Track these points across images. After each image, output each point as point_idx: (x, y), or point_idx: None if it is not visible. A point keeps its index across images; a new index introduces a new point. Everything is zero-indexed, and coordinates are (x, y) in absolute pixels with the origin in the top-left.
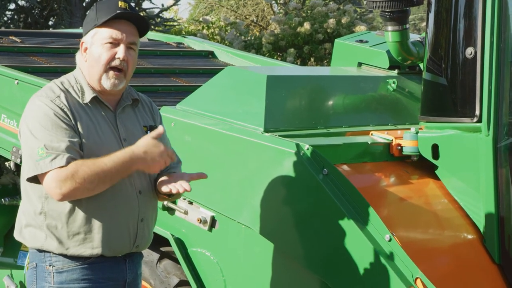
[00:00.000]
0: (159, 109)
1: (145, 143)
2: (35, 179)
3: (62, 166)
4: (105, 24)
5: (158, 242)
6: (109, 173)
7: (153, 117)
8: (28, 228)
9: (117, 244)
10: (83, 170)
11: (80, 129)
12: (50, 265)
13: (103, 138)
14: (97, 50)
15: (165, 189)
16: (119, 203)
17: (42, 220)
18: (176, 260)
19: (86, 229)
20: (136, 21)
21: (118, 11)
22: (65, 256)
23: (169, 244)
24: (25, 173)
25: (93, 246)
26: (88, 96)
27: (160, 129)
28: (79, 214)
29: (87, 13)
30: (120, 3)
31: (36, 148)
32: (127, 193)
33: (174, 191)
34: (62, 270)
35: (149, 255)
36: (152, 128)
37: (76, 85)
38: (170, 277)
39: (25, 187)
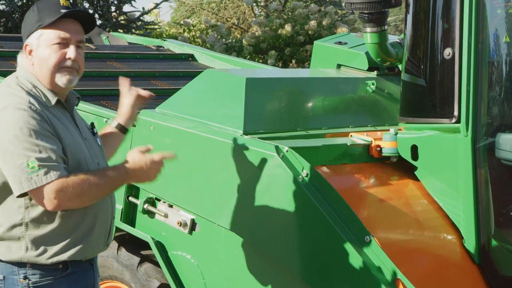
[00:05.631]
0: (139, 112)
1: (132, 159)
2: (24, 193)
3: (60, 178)
4: (51, 25)
5: (139, 246)
6: (105, 188)
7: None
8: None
9: (96, 244)
10: (84, 183)
11: (57, 134)
12: (25, 278)
13: (76, 140)
14: (45, 51)
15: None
16: (99, 203)
17: (23, 231)
18: (156, 264)
19: (72, 233)
20: (82, 18)
21: (63, 11)
22: (42, 267)
23: (149, 248)
24: (14, 189)
25: (77, 250)
26: (52, 99)
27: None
28: (65, 219)
29: (26, 14)
30: (62, 1)
31: (26, 161)
32: None
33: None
34: (40, 284)
35: (129, 259)
36: (92, 125)
37: (34, 89)
38: (151, 281)
39: None
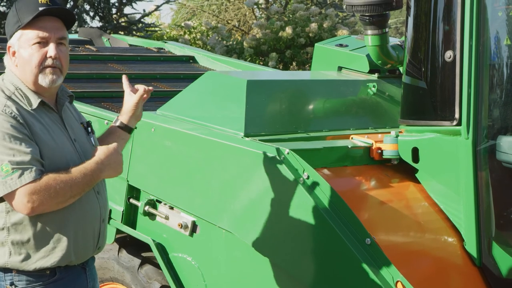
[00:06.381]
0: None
1: (101, 151)
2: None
3: (34, 180)
4: (29, 24)
5: (140, 248)
6: (80, 186)
7: (77, 111)
8: None
9: (83, 249)
10: (56, 184)
11: (36, 138)
12: (11, 284)
13: (59, 143)
14: (26, 52)
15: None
16: (84, 207)
17: (5, 236)
18: (157, 266)
19: (55, 238)
20: (60, 14)
21: (40, 9)
22: (29, 273)
23: (150, 250)
24: None
25: (61, 255)
26: (35, 101)
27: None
28: (47, 224)
29: (8, 14)
30: None
31: None
32: (89, 196)
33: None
34: None
35: (130, 261)
36: (88, 124)
37: (16, 91)
38: (152, 283)
39: None
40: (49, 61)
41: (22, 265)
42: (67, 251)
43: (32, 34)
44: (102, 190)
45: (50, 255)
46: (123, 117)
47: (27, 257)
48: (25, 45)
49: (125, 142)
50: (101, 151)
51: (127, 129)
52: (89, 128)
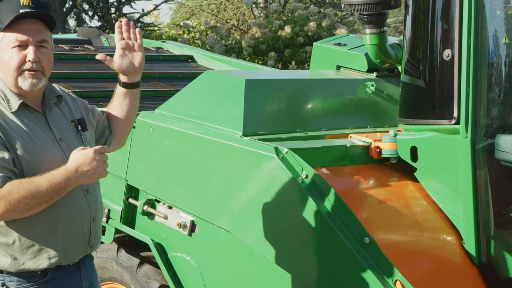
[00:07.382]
0: (138, 114)
1: (73, 157)
2: None
3: None
4: (10, 27)
5: (138, 247)
6: (46, 194)
7: (80, 109)
8: None
9: (73, 249)
10: (18, 192)
11: (12, 141)
12: (2, 285)
13: (40, 145)
14: (6, 55)
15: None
16: (71, 206)
17: None
18: (156, 265)
19: (41, 240)
20: (41, 16)
21: (21, 11)
22: (20, 273)
23: (149, 249)
24: None
25: (49, 256)
26: (15, 103)
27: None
28: (31, 225)
29: None
30: (22, 0)
31: None
32: (76, 195)
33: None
34: None
35: (129, 260)
36: (80, 121)
37: None
38: (151, 282)
39: None
40: (27, 65)
41: (11, 267)
42: (55, 252)
43: (12, 37)
44: (92, 189)
45: (38, 257)
46: (121, 75)
47: (15, 259)
48: (6, 48)
49: (134, 99)
50: (73, 158)
51: (131, 85)
52: (79, 126)
